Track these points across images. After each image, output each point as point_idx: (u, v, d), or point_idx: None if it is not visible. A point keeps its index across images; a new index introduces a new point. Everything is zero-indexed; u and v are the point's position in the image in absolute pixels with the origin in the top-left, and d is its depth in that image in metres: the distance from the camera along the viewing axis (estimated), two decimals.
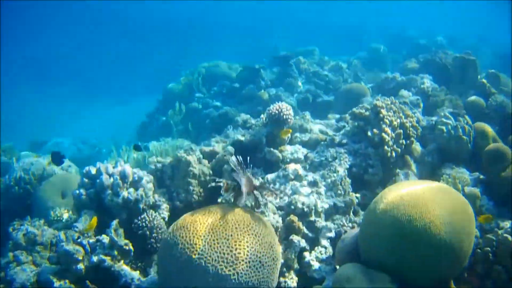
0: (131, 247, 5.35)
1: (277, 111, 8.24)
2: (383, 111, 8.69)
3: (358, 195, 7.15)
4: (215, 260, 4.22)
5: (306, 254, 6.00)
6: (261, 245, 4.48)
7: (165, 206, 6.68)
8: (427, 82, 12.12)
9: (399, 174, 8.43)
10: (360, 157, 8.46)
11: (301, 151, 8.80)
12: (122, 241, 5.34)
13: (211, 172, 7.06)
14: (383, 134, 8.36)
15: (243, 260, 4.30)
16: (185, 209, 6.36)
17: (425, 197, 4.32)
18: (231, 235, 4.40)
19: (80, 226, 5.39)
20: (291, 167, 7.85)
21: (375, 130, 8.40)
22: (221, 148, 7.77)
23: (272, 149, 8.10)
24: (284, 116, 8.24)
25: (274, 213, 6.35)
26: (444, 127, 8.95)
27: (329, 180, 7.58)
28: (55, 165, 8.10)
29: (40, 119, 26.61)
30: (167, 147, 9.14)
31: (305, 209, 6.44)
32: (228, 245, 4.33)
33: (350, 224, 6.57)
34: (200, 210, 4.81)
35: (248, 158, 5.32)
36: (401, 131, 8.46)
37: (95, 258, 5.08)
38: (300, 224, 6.31)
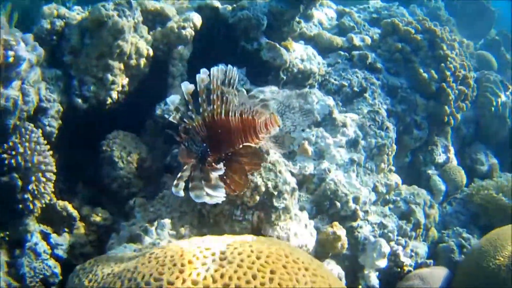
0: None
1: None
2: (444, 46, 5.54)
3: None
4: None
5: None
6: None
7: (55, 109, 4.00)
8: None
9: (438, 146, 5.57)
10: (402, 103, 5.30)
11: (316, 60, 5.23)
12: None
13: (151, 53, 4.66)
14: (444, 84, 5.35)
15: None
16: (92, 114, 4.37)
17: None
18: None
19: None
20: (315, 96, 4.38)
21: (433, 74, 5.28)
22: (175, 12, 5.07)
23: (275, 43, 5.10)
24: None
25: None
26: (493, 98, 6.25)
27: (372, 142, 4.44)
28: None
29: None
30: None
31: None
32: None
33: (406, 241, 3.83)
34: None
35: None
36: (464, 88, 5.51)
37: None
38: (345, 242, 3.42)
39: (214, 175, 2.97)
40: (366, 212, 4.07)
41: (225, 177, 3.08)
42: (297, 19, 5.27)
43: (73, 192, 4.46)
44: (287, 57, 4.91)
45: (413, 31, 6.00)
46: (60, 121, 3.93)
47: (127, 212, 4.43)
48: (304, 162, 4.04)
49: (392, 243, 4.14)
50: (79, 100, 4.14)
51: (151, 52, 4.62)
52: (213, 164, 3.12)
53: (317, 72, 5.23)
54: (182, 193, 2.91)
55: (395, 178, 4.78)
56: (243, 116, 3.26)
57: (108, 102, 4.31)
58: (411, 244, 4.37)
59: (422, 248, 4.53)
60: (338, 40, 6.06)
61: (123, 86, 4.46)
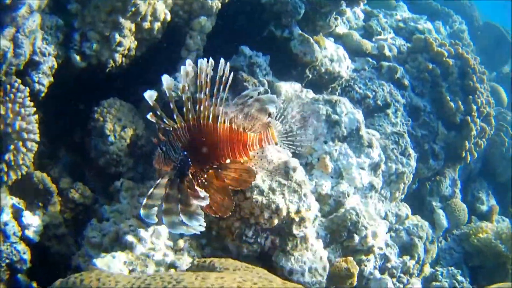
0: None
1: None
2: (474, 77, 5.29)
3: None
4: None
5: None
6: None
7: (49, 65, 3.36)
8: None
9: (447, 178, 5.32)
10: (423, 127, 4.97)
11: (345, 63, 4.75)
12: None
13: (168, 18, 4.02)
14: (469, 118, 5.10)
15: None
16: (89, 74, 3.78)
17: None
18: None
19: None
20: (345, 106, 3.92)
21: (460, 104, 5.02)
22: None
23: (308, 36, 4.58)
24: None
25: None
26: (507, 140, 6.50)
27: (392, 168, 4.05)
28: None
29: None
30: None
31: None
32: None
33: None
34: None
35: None
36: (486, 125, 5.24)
37: None
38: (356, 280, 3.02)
39: (194, 202, 2.39)
40: (380, 249, 3.73)
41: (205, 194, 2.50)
42: (334, 14, 4.73)
43: (55, 157, 3.87)
44: (319, 55, 4.40)
45: (446, 54, 5.65)
46: (51, 79, 3.29)
47: (111, 193, 3.89)
48: (321, 179, 3.61)
49: (394, 280, 3.83)
50: (77, 57, 3.50)
51: (168, 17, 3.99)
52: (194, 185, 2.49)
53: (344, 77, 4.75)
54: (154, 219, 2.36)
55: (405, 209, 4.45)
56: (232, 125, 2.66)
57: (109, 65, 3.70)
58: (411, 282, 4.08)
59: (418, 286, 4.25)
60: (368, 46, 5.58)
61: (129, 50, 3.84)
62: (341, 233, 3.33)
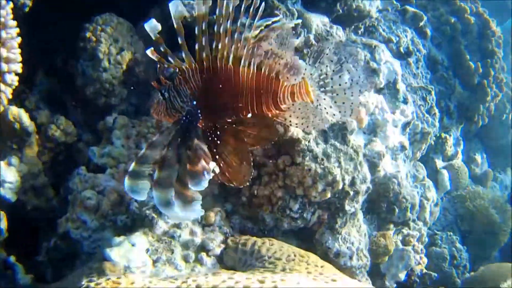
0: None
1: None
2: (493, 40, 5.09)
3: None
4: None
5: None
6: None
7: None
8: None
9: (451, 136, 5.11)
10: (440, 83, 4.86)
11: (376, 1, 4.11)
12: None
13: None
14: (485, 82, 4.89)
15: None
16: None
17: None
18: None
19: None
20: (384, 54, 3.35)
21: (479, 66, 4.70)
22: None
23: None
24: None
25: None
26: (509, 106, 6.30)
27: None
28: None
29: None
30: None
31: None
32: None
33: None
34: None
35: None
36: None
37: None
38: None
39: (201, 166, 1.75)
40: (414, 221, 3.39)
41: (217, 157, 1.95)
42: None
43: (31, 83, 3.03)
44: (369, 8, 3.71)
45: (468, 10, 5.16)
46: None
47: (100, 131, 3.15)
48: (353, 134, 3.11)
49: (410, 248, 3.57)
50: None
51: None
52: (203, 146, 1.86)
53: (373, 17, 4.10)
54: (143, 195, 1.71)
55: (422, 171, 4.12)
56: (262, 70, 2.05)
57: None
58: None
59: (423, 252, 4.06)
60: None
61: None
62: (381, 204, 2.90)
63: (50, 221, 2.68)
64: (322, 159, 2.20)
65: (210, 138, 1.97)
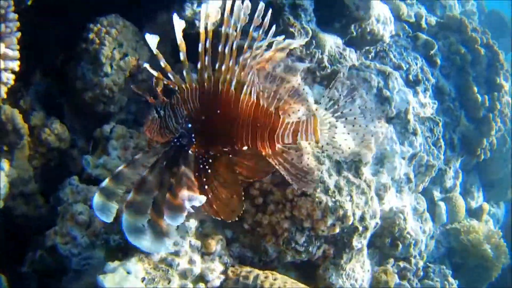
0: None
1: None
2: (502, 74, 5.44)
3: None
4: None
5: None
6: None
7: None
8: None
9: (451, 169, 5.11)
10: (446, 114, 4.85)
11: (389, 27, 4.02)
12: None
13: None
14: (491, 116, 4.88)
15: None
16: None
17: None
18: None
19: None
20: (397, 82, 3.28)
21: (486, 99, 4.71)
22: None
23: None
24: None
25: None
26: (509, 139, 6.12)
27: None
28: None
29: None
30: None
31: None
32: None
33: None
34: None
35: None
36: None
37: None
38: None
39: (184, 195, 1.62)
40: (415, 257, 3.28)
41: (206, 187, 1.80)
42: None
43: (27, 82, 2.86)
44: (372, 13, 3.60)
45: (479, 41, 5.12)
46: None
47: (96, 139, 2.99)
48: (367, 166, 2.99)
49: (405, 282, 3.45)
50: None
51: None
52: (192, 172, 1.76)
53: (386, 42, 4.03)
54: (109, 217, 1.64)
55: (423, 203, 4.02)
56: (260, 100, 1.88)
57: None
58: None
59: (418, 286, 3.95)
60: (404, 10, 4.82)
61: None
62: (385, 239, 2.79)
63: (38, 229, 2.52)
64: (334, 192, 2.08)
65: (201, 166, 1.83)
